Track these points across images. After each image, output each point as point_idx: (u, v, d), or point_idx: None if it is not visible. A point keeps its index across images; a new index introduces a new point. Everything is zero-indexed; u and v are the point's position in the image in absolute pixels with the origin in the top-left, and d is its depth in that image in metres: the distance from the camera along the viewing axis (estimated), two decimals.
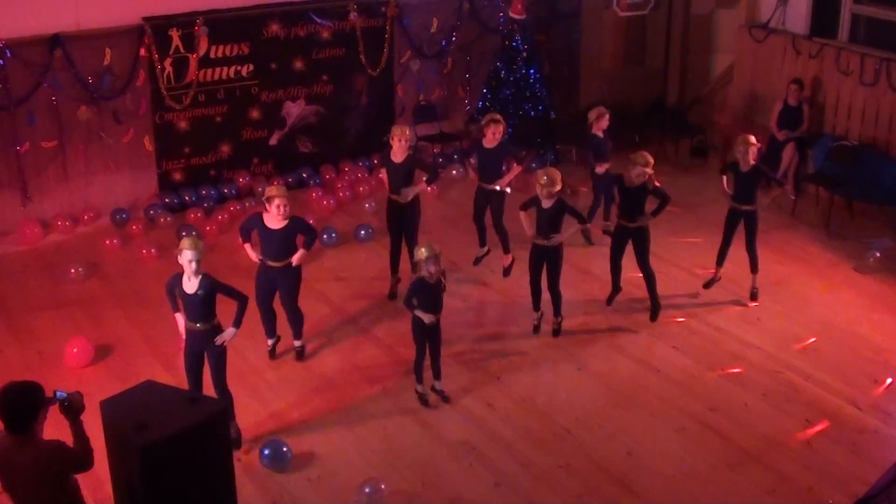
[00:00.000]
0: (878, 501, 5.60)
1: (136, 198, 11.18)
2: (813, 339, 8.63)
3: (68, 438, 5.05)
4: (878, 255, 9.94)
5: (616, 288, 9.12)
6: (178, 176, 11.38)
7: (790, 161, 11.45)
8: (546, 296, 8.60)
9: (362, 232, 10.60)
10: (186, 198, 11.23)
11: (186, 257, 6.74)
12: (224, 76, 11.30)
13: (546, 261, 8.45)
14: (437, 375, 7.79)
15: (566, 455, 7.16)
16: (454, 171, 12.15)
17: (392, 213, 9.24)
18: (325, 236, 10.33)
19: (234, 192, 11.49)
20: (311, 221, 8.52)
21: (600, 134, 10.13)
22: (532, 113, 12.41)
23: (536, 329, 8.75)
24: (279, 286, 8.06)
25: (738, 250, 9.14)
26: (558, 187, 8.19)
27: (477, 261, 9.86)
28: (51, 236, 10.60)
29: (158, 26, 10.70)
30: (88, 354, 8.28)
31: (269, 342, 8.40)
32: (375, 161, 11.80)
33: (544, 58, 13.01)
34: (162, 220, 10.88)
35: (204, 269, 6.85)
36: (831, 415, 7.61)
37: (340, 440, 7.32)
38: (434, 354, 7.72)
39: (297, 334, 8.36)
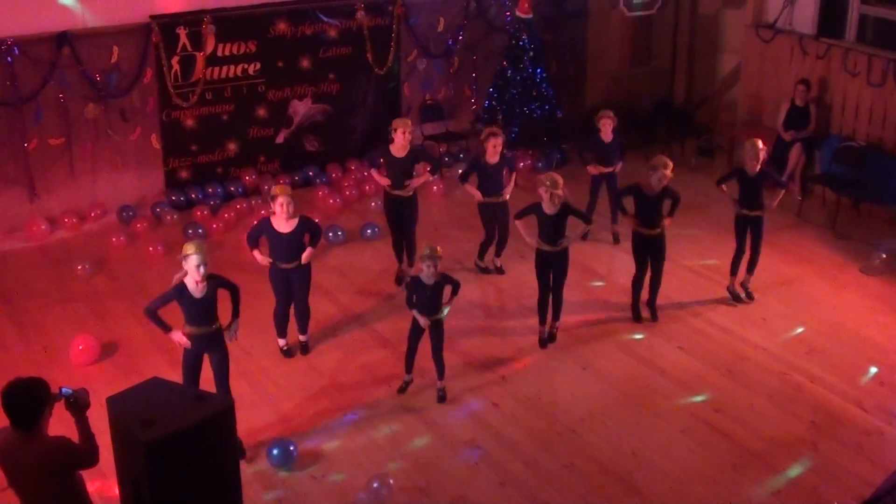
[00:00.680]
0: (883, 503, 5.59)
1: (143, 195, 11.19)
2: (818, 341, 8.61)
3: (74, 435, 5.07)
4: (884, 256, 9.91)
5: (638, 309, 8.90)
6: (184, 174, 11.39)
7: (797, 162, 11.42)
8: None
9: (368, 231, 10.60)
10: (193, 195, 11.24)
11: (193, 262, 6.62)
12: (231, 74, 11.31)
13: (553, 266, 8.36)
14: (439, 375, 7.80)
15: (571, 455, 7.16)
16: (460, 171, 12.09)
17: (392, 208, 9.22)
18: (331, 235, 10.34)
19: (240, 190, 11.49)
20: (317, 220, 8.52)
21: (602, 136, 10.08)
22: (538, 112, 12.40)
23: (543, 343, 8.54)
24: (293, 284, 8.11)
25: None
26: (561, 190, 8.12)
27: (500, 271, 9.79)
28: (57, 233, 10.61)
29: (166, 24, 10.73)
30: (94, 351, 8.29)
31: (283, 343, 8.42)
32: (380, 160, 11.73)
33: (551, 57, 12.99)
34: (168, 217, 10.88)
35: (209, 268, 6.81)
36: (837, 416, 7.60)
37: (346, 439, 7.33)
38: (434, 354, 7.73)
39: (304, 329, 8.42)
